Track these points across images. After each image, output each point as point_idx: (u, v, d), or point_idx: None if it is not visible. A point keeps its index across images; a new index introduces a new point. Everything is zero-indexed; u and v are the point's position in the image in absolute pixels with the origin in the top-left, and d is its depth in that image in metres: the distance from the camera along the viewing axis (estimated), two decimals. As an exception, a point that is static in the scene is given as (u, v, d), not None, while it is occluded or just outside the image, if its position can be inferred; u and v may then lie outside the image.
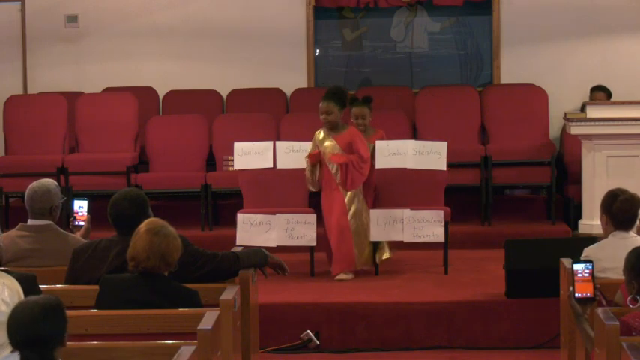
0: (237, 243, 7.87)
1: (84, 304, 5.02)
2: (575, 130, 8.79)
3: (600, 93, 10.29)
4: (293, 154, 8.21)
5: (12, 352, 3.67)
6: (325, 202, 8.06)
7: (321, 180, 8.03)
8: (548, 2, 10.65)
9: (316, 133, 8.11)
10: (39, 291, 4.82)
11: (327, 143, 8.01)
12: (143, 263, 4.86)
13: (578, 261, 5.02)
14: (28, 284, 4.69)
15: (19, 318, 3.62)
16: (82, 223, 6.21)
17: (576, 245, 5.97)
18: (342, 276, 7.94)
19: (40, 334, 3.59)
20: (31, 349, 3.58)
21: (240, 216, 8.21)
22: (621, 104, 8.95)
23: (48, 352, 3.60)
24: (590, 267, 4.94)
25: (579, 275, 4.94)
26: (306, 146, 8.43)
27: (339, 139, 7.99)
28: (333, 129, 8.02)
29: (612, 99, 10.13)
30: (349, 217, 7.99)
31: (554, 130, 10.31)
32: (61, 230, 5.92)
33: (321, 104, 8.01)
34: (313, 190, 8.13)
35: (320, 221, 8.14)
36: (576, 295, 4.93)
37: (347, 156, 7.92)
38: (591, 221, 8.50)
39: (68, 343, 3.72)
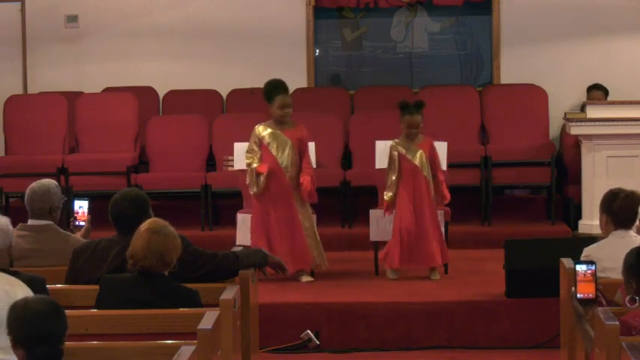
0: (237, 243, 7.87)
1: (84, 304, 5.02)
2: (575, 130, 8.81)
3: (598, 92, 10.29)
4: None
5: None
6: (273, 210, 7.81)
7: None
8: (548, 2, 10.65)
9: (257, 128, 7.84)
10: (47, 294, 4.82)
11: (276, 136, 7.80)
12: (141, 262, 4.86)
13: (581, 262, 5.00)
14: (37, 287, 4.69)
15: (29, 314, 3.62)
16: (82, 223, 6.21)
17: (576, 245, 5.97)
18: (308, 278, 7.89)
19: (52, 330, 3.60)
20: (43, 345, 3.59)
21: (240, 216, 8.21)
22: (621, 104, 8.96)
23: (58, 347, 3.62)
24: (592, 268, 4.93)
25: (581, 276, 4.93)
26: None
27: (290, 134, 7.82)
28: (284, 124, 7.85)
29: (612, 99, 10.13)
30: (306, 224, 7.86)
31: (554, 130, 10.31)
32: (61, 230, 5.93)
33: (279, 98, 7.76)
34: (258, 192, 7.81)
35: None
36: (578, 295, 4.92)
37: (306, 173, 7.76)
38: (591, 221, 8.50)
39: (68, 343, 3.72)
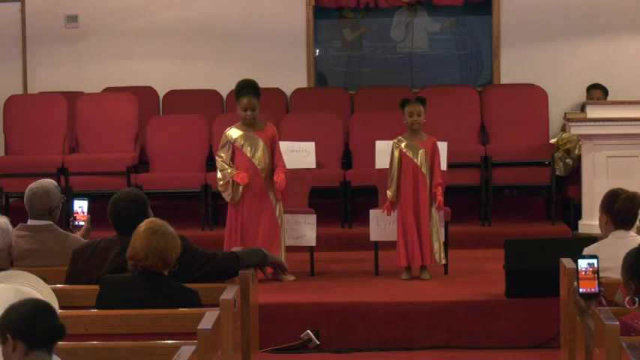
0: (237, 243, 7.87)
1: (84, 304, 5.02)
2: (575, 130, 8.81)
3: (597, 91, 10.31)
4: (293, 154, 8.19)
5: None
6: (247, 210, 7.79)
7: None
8: (548, 2, 10.65)
9: (227, 131, 7.80)
10: None
11: (248, 137, 7.77)
12: (142, 262, 4.86)
13: (583, 257, 5.01)
14: None
15: (20, 310, 3.63)
16: (82, 223, 6.21)
17: (576, 245, 5.97)
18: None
19: (41, 325, 3.61)
20: (45, 322, 3.60)
21: (240, 216, 8.20)
22: (621, 104, 8.96)
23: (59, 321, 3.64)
24: (594, 263, 4.93)
25: (584, 271, 4.93)
26: (307, 146, 8.41)
27: (261, 134, 7.80)
28: (252, 125, 7.81)
29: (612, 98, 10.14)
30: (280, 224, 7.86)
31: (554, 130, 10.31)
32: (61, 230, 5.92)
33: (243, 100, 7.71)
34: (233, 202, 7.81)
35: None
36: (580, 290, 4.92)
37: (280, 171, 7.74)
38: (591, 221, 8.50)
39: (68, 343, 3.72)
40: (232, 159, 7.83)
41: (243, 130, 7.82)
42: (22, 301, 3.68)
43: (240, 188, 7.75)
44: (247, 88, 7.79)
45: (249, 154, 7.78)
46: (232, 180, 7.76)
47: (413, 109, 7.85)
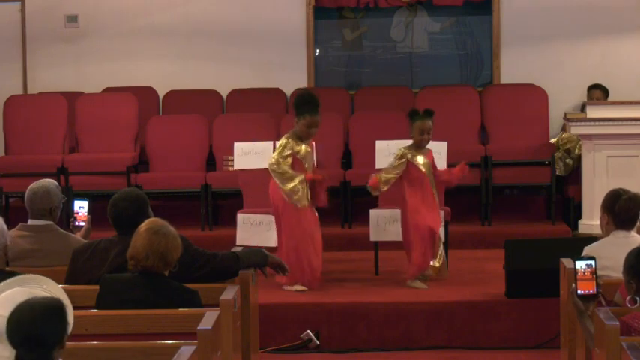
0: (237, 243, 7.86)
1: (84, 304, 5.01)
2: (575, 130, 8.82)
3: (598, 91, 10.31)
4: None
5: None
6: (304, 218, 7.66)
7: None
8: (548, 2, 10.66)
9: (290, 142, 7.60)
10: None
11: (307, 152, 7.72)
12: (142, 262, 4.86)
13: (581, 258, 5.01)
14: None
15: (19, 317, 3.62)
16: (82, 224, 6.21)
17: (576, 245, 5.97)
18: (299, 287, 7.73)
19: (38, 333, 3.59)
20: (29, 348, 3.58)
21: (240, 216, 8.21)
22: (621, 104, 8.96)
23: (46, 352, 3.60)
24: (592, 264, 4.94)
25: (582, 272, 4.93)
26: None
27: (310, 148, 7.80)
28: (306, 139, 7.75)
29: (612, 99, 10.15)
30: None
31: (554, 130, 10.31)
32: (62, 230, 5.93)
33: (314, 118, 7.56)
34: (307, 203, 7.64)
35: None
36: (579, 292, 4.93)
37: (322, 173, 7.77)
38: (591, 221, 8.51)
39: (68, 343, 3.72)
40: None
41: (300, 143, 7.67)
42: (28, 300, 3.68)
43: (307, 189, 7.61)
44: (314, 104, 7.61)
45: (306, 167, 7.69)
46: (302, 181, 7.59)
47: (423, 126, 7.69)
